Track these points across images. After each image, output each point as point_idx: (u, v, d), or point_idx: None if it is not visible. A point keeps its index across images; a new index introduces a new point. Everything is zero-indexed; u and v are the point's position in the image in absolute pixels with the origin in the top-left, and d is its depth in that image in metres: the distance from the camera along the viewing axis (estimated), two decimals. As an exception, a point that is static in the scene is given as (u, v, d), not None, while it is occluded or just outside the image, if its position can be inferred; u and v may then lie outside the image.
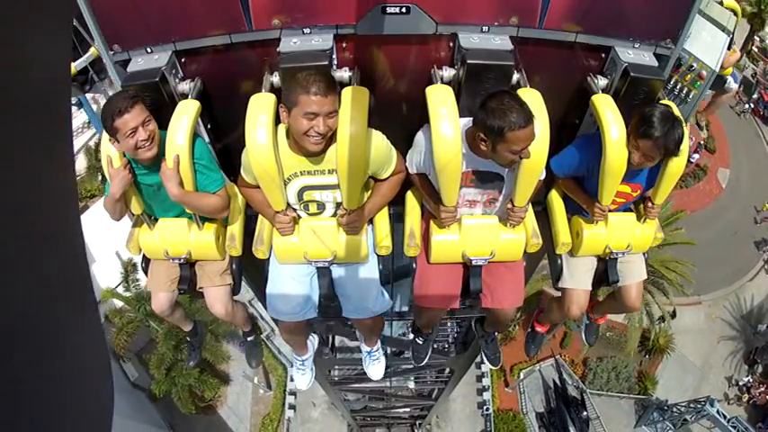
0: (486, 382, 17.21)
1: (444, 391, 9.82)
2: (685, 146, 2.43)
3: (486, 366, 16.61)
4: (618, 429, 17.63)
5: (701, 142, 20.87)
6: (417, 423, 16.25)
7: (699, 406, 16.47)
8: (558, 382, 17.40)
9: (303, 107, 2.07)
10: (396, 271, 3.84)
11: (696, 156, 20.80)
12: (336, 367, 8.50)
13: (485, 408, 17.16)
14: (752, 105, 23.29)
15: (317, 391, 16.27)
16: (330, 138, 2.22)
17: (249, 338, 4.12)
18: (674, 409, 17.09)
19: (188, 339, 3.95)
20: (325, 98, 2.06)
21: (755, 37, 23.55)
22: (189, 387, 14.23)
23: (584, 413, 16.44)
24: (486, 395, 17.10)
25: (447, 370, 8.75)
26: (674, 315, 16.47)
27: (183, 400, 14.22)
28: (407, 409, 14.28)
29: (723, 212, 20.31)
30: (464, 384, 15.28)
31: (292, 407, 16.98)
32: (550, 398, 17.72)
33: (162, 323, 12.95)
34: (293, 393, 16.90)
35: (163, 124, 2.38)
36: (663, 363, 18.24)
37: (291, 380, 16.40)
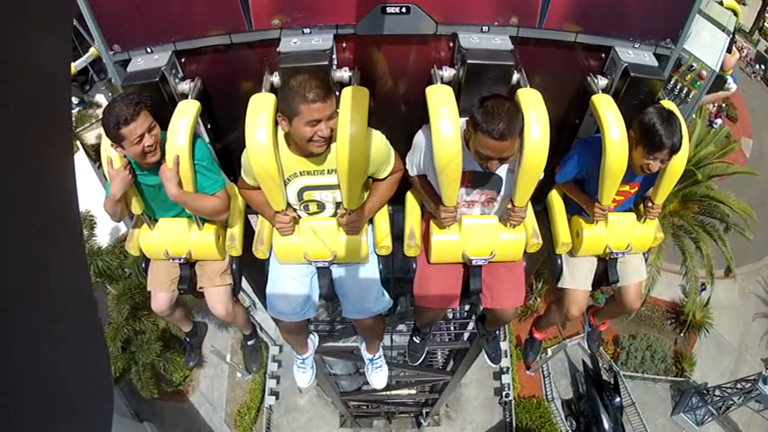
0: (504, 363, 14.63)
1: (465, 358, 7.84)
2: (685, 144, 2.43)
3: (504, 344, 14.29)
4: (654, 418, 15.50)
5: (723, 105, 20.78)
6: (424, 412, 14.42)
7: (747, 386, 14.57)
8: (588, 363, 15.04)
9: (305, 116, 2.06)
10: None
11: (719, 121, 20.54)
12: (312, 326, 7.34)
13: (504, 394, 14.76)
14: (764, 68, 23.48)
15: None
16: (330, 137, 2.23)
17: (250, 342, 4.08)
18: (717, 393, 15.15)
19: (187, 340, 3.93)
20: (325, 103, 2.05)
21: (767, 13, 23.65)
22: (152, 366, 12.12)
23: (618, 399, 14.22)
24: (506, 378, 14.69)
25: (470, 326, 7.39)
26: (729, 271, 13.46)
27: (144, 381, 12.03)
28: (412, 392, 12.13)
29: (749, 182, 18.60)
30: (478, 368, 12.96)
31: (274, 393, 14.70)
32: (579, 382, 15.37)
33: (117, 284, 11.40)
34: (275, 377, 14.74)
35: (163, 124, 2.39)
36: (698, 342, 16.46)
37: (273, 360, 14.74)
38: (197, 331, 3.88)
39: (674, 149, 2.39)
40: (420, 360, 4.01)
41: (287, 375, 14.56)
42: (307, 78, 2.05)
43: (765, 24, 24.25)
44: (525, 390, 15.62)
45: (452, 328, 8.02)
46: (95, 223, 11.35)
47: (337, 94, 2.33)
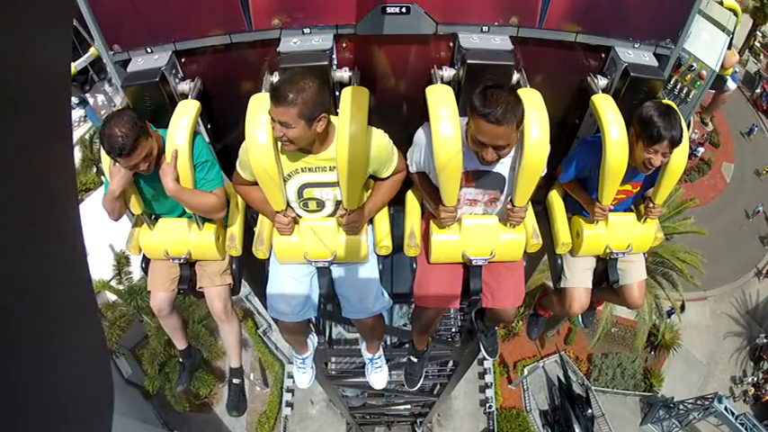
0: (488, 378, 16.71)
1: (447, 386, 9.60)
2: (686, 142, 2.43)
3: (489, 363, 16.30)
4: (623, 427, 17.24)
5: (706, 134, 20.88)
6: (418, 421, 15.80)
7: (706, 403, 16.23)
8: (562, 378, 16.85)
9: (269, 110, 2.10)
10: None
11: (701, 149, 20.74)
12: (333, 360, 8.47)
13: (487, 405, 16.65)
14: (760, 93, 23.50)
15: (314, 388, 16.12)
16: (329, 134, 2.24)
17: (235, 381, 3.54)
18: (681, 407, 16.81)
19: (180, 360, 3.72)
20: (277, 108, 2.04)
21: (758, 32, 23.53)
22: (183, 384, 13.98)
23: (589, 411, 15.82)
24: (489, 392, 16.69)
25: (450, 363, 8.58)
26: (683, 308, 16.07)
27: (176, 397, 13.82)
28: (408, 406, 13.94)
29: (728, 207, 20.08)
30: (466, 381, 15.17)
31: (289, 404, 16.66)
32: (555, 395, 17.21)
33: (155, 317, 12.38)
34: (290, 391, 16.60)
35: (163, 124, 2.39)
36: (668, 359, 17.97)
37: (289, 376, 16.37)
38: (191, 353, 3.69)
39: (675, 141, 2.37)
40: (418, 384, 4.00)
41: (300, 389, 16.31)
42: (285, 78, 2.07)
43: (755, 44, 24.04)
44: (507, 402, 17.43)
45: (435, 368, 9.42)
46: (131, 260, 12.41)
47: (338, 94, 2.33)
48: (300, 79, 2.05)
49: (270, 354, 17.06)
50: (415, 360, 3.85)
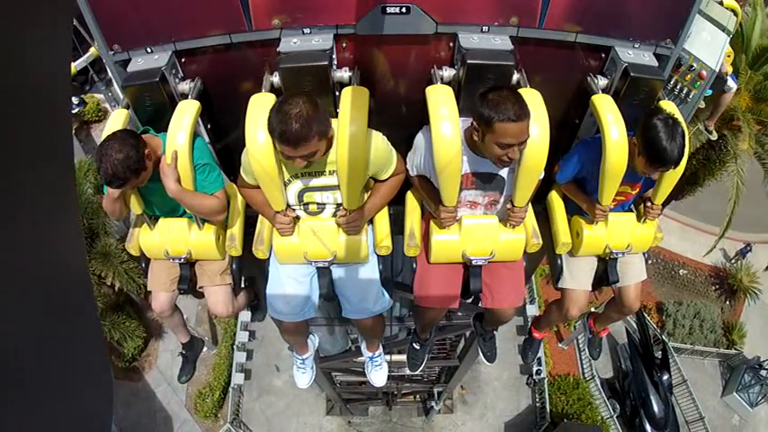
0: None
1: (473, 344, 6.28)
2: (686, 146, 2.43)
3: (534, 309, 11.82)
4: (703, 399, 12.65)
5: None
6: (436, 393, 10.87)
7: None
8: (633, 333, 12.18)
9: (277, 146, 2.10)
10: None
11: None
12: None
13: (535, 371, 11.78)
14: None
15: (281, 348, 11.23)
16: (330, 139, 2.23)
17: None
18: None
19: (182, 352, 3.78)
20: (297, 149, 2.05)
21: None
22: (99, 334, 10.47)
23: (666, 376, 11.59)
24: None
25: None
26: None
27: None
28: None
29: None
30: (500, 340, 9.13)
31: (244, 370, 11.73)
32: (621, 356, 12.51)
33: None
34: (247, 351, 11.81)
35: (163, 124, 2.39)
36: (744, 312, 14.05)
37: (244, 328, 11.81)
38: (194, 345, 3.77)
39: (678, 163, 2.40)
40: (420, 368, 3.97)
41: (261, 349, 12.15)
42: (283, 116, 2.01)
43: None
44: (558, 367, 12.65)
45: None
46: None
47: (338, 94, 2.33)
48: (295, 107, 2.01)
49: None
50: (418, 347, 3.83)
